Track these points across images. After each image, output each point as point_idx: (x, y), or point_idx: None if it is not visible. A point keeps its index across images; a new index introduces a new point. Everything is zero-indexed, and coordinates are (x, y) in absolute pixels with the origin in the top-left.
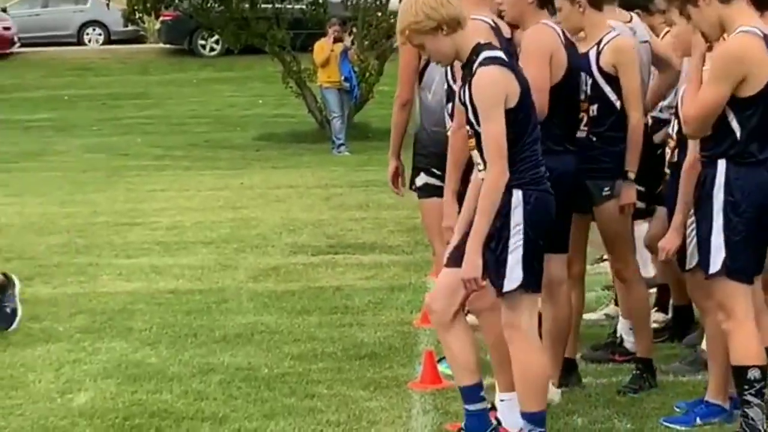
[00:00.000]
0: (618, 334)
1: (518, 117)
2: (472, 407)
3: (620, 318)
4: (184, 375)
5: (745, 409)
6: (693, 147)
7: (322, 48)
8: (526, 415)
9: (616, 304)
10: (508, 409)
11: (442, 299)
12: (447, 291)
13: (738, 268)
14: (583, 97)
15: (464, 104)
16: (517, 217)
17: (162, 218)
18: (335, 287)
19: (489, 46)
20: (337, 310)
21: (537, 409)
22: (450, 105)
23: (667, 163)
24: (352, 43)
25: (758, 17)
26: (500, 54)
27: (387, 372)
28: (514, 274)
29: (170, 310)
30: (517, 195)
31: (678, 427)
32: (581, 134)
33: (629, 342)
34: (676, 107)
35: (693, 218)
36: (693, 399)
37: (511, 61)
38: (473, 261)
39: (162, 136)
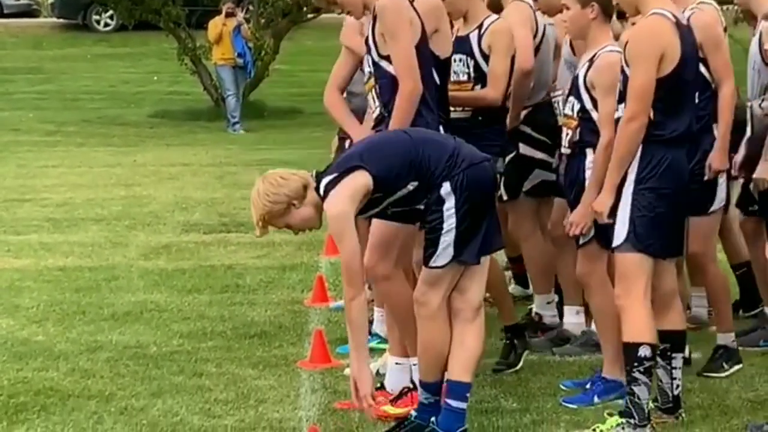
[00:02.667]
0: (534, 312)
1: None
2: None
3: (534, 296)
4: (71, 353)
5: (632, 387)
6: (610, 128)
7: (216, 25)
8: (422, 383)
9: (517, 283)
10: (398, 372)
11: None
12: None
13: (646, 244)
14: (466, 78)
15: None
16: (449, 203)
17: (53, 195)
18: (227, 266)
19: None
20: (228, 289)
21: (432, 380)
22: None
23: (567, 143)
24: (247, 20)
25: (671, 2)
26: None
27: (276, 351)
28: (446, 253)
29: (59, 287)
30: (446, 186)
31: (576, 406)
32: (465, 114)
33: (548, 317)
34: (574, 86)
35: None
36: (579, 378)
37: None
38: None
39: (55, 112)
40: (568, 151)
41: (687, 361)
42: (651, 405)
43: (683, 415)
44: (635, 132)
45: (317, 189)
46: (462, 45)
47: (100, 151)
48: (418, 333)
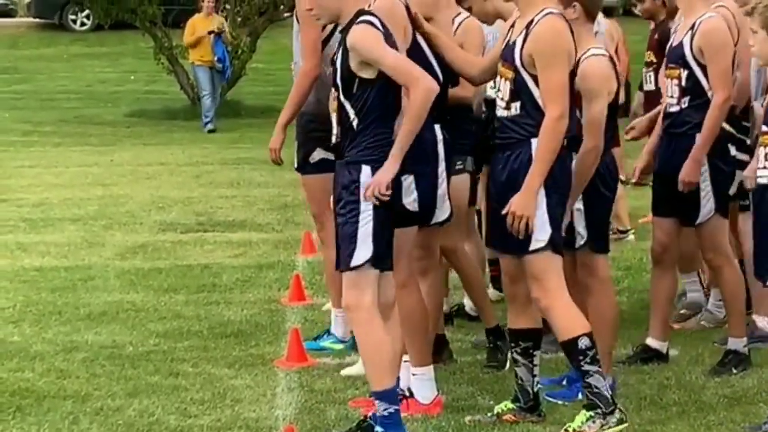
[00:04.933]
0: None
1: (378, 86)
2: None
3: None
4: (47, 353)
5: (587, 380)
6: (592, 134)
7: (194, 27)
8: (377, 394)
9: (495, 286)
10: (420, 383)
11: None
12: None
13: (559, 243)
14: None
15: (335, 67)
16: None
17: (29, 195)
18: (203, 265)
19: (371, 12)
20: (205, 288)
21: (388, 387)
22: None
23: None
24: (225, 20)
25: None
26: (376, 20)
27: (253, 350)
28: (362, 250)
29: (35, 287)
30: (366, 171)
31: (559, 401)
32: None
33: None
34: None
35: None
36: (555, 376)
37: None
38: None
39: (31, 112)
40: None
41: (664, 357)
42: (512, 406)
43: (543, 411)
44: (564, 130)
45: (357, 14)
46: None
47: (76, 150)
48: (357, 341)
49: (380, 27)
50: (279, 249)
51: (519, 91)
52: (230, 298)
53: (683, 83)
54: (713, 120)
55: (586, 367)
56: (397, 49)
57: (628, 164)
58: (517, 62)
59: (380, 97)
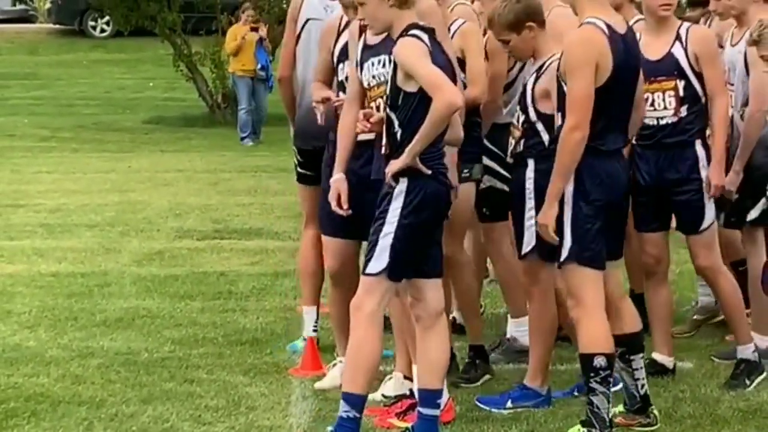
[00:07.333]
0: (509, 335)
1: (420, 98)
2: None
3: (509, 319)
4: (62, 358)
5: (591, 397)
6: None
7: (235, 35)
8: (346, 395)
9: None
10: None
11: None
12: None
13: (588, 256)
14: None
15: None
16: (397, 203)
17: (47, 200)
18: (220, 272)
19: (421, 27)
20: (221, 296)
21: (358, 391)
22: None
23: (509, 153)
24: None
25: (608, 11)
26: (425, 35)
27: (268, 358)
28: (378, 261)
29: (51, 293)
30: (402, 184)
31: (489, 408)
32: None
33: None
34: (522, 97)
35: (531, 207)
36: (567, 388)
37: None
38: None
39: (50, 118)
40: (512, 160)
41: (672, 371)
42: (621, 409)
43: (654, 412)
44: (579, 142)
45: (408, 27)
46: None
47: (94, 156)
48: (350, 340)
49: (427, 42)
50: (295, 257)
51: (562, 104)
52: (246, 305)
53: (681, 93)
54: (724, 122)
55: (594, 386)
56: (447, 65)
57: None
58: (559, 75)
59: (421, 109)
